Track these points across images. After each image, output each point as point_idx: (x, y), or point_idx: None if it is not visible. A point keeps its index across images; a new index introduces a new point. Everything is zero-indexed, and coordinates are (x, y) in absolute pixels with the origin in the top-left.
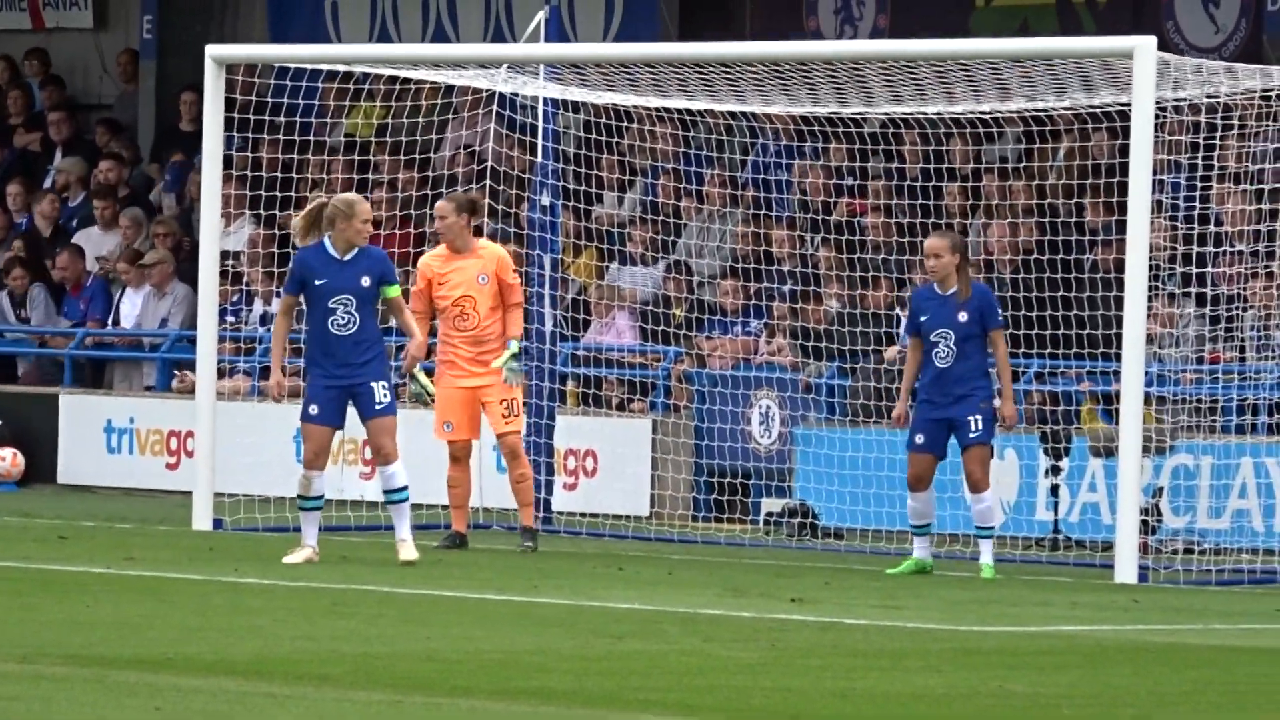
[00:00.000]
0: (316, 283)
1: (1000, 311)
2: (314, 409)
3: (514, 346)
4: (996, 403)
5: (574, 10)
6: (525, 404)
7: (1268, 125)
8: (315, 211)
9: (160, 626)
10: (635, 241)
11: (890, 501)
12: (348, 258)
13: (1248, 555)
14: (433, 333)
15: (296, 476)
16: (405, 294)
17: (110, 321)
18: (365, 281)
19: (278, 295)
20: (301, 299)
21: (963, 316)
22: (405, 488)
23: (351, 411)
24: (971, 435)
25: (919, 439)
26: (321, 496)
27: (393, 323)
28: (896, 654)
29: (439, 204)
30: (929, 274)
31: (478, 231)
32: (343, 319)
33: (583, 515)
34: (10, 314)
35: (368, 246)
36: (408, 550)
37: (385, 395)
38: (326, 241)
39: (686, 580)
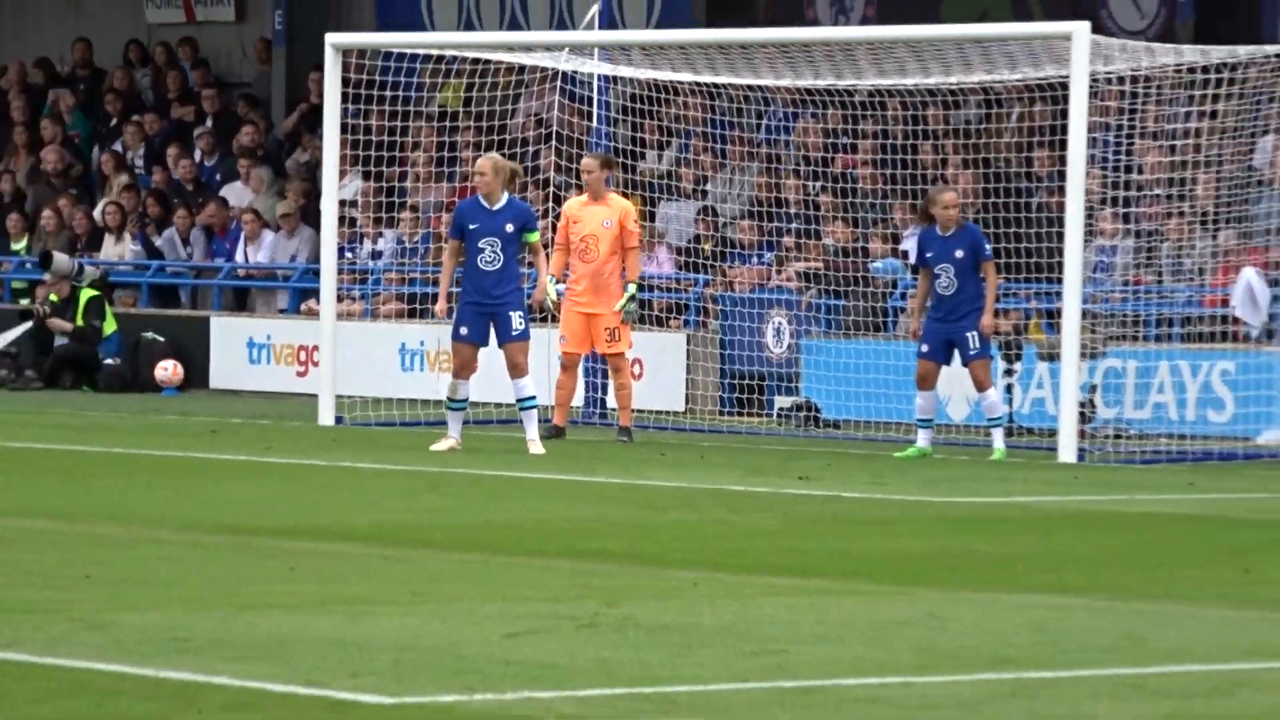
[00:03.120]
0: (470, 227)
1: (989, 245)
2: (464, 330)
3: (631, 289)
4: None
5: (622, 3)
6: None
7: (1179, 93)
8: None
9: (293, 503)
10: (674, 191)
11: (879, 399)
12: (496, 208)
13: (1165, 439)
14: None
15: (444, 383)
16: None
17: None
18: (509, 228)
19: (381, 235)
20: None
21: (959, 253)
22: (534, 397)
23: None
24: (971, 352)
25: (924, 348)
26: (466, 399)
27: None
28: (885, 521)
29: (585, 160)
30: (945, 222)
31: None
32: (489, 257)
33: (632, 411)
34: (181, 250)
35: (514, 199)
36: (536, 447)
37: (520, 323)
38: (481, 192)
39: (715, 463)
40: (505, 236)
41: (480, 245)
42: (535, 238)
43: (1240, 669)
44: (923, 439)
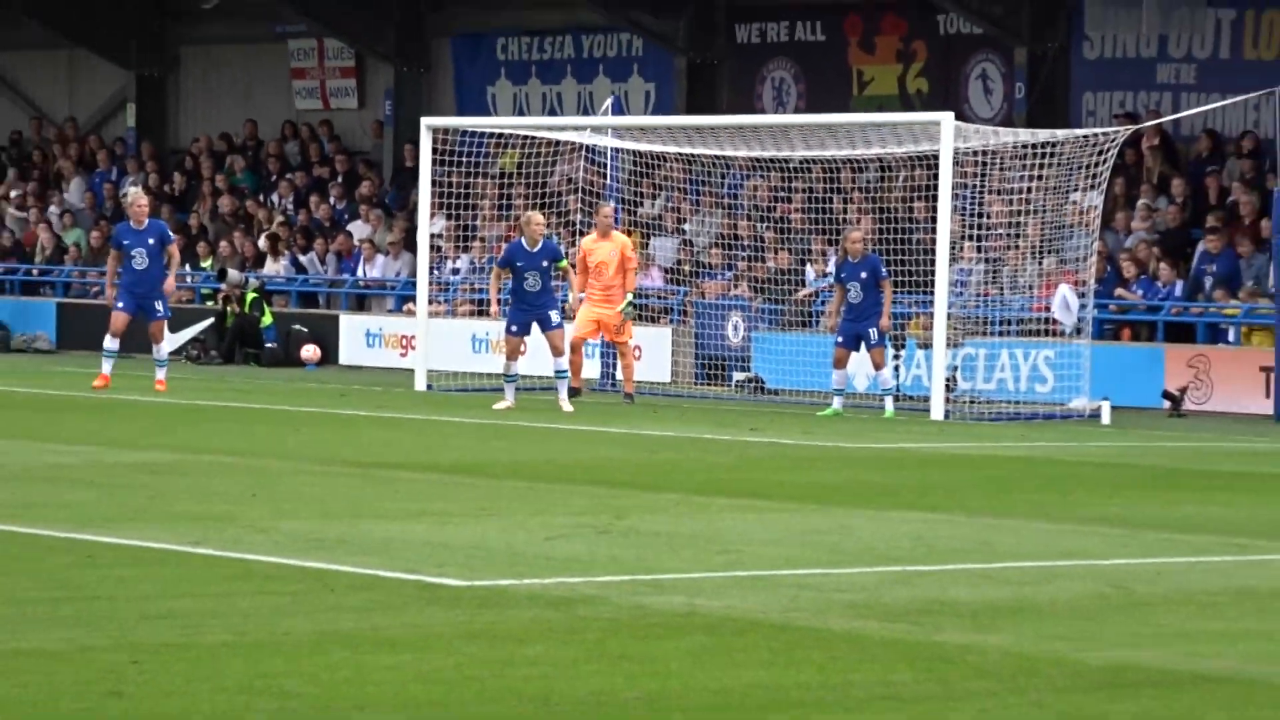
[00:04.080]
0: (517, 263)
1: (885, 269)
2: (514, 327)
3: (629, 297)
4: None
5: (627, 97)
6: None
7: (1016, 162)
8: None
9: (397, 445)
10: (663, 228)
11: (806, 374)
12: (535, 249)
13: (1005, 404)
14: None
15: (501, 363)
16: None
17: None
18: (545, 263)
19: (458, 258)
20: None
21: (864, 274)
22: (567, 370)
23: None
24: (872, 343)
25: (840, 339)
26: (516, 374)
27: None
28: (810, 461)
29: (605, 208)
30: (853, 252)
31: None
32: (532, 283)
33: (634, 383)
34: (319, 267)
35: (547, 241)
36: (566, 405)
37: (557, 319)
38: (523, 239)
39: (691, 419)
40: (542, 270)
41: (525, 275)
42: (564, 264)
43: (1058, 565)
44: (837, 403)
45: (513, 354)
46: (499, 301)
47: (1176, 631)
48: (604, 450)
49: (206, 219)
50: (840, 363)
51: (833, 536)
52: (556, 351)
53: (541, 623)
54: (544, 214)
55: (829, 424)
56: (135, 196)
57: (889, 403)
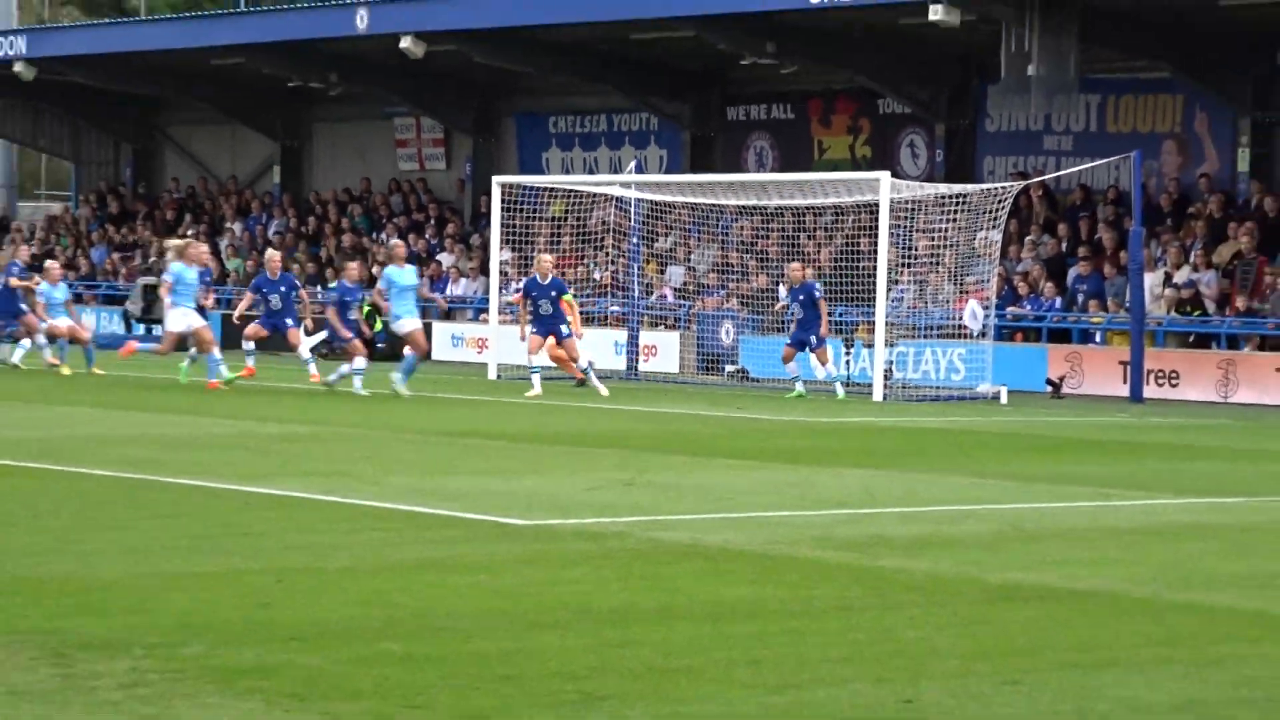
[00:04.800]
0: (532, 293)
1: (819, 290)
2: (534, 330)
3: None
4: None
5: (646, 161)
6: (632, 326)
7: (937, 209)
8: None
9: (474, 419)
10: (673, 258)
11: (780, 368)
12: (545, 283)
13: (928, 389)
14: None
15: (527, 358)
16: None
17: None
18: (553, 294)
19: (519, 280)
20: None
21: (801, 297)
22: (590, 364)
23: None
24: (813, 346)
25: (789, 341)
26: (538, 367)
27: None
28: (785, 432)
29: (544, 257)
30: (793, 280)
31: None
32: (545, 307)
33: (651, 373)
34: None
35: (555, 278)
36: (603, 390)
37: (567, 331)
38: (537, 275)
39: (694, 400)
40: (551, 299)
41: (539, 302)
42: (568, 297)
43: (967, 508)
44: (799, 387)
45: (534, 349)
46: (527, 320)
47: (1057, 559)
48: (628, 423)
49: (332, 251)
50: (787, 359)
51: (799, 488)
52: (573, 359)
53: (582, 552)
54: (553, 255)
55: (796, 404)
56: (271, 256)
57: (840, 388)
